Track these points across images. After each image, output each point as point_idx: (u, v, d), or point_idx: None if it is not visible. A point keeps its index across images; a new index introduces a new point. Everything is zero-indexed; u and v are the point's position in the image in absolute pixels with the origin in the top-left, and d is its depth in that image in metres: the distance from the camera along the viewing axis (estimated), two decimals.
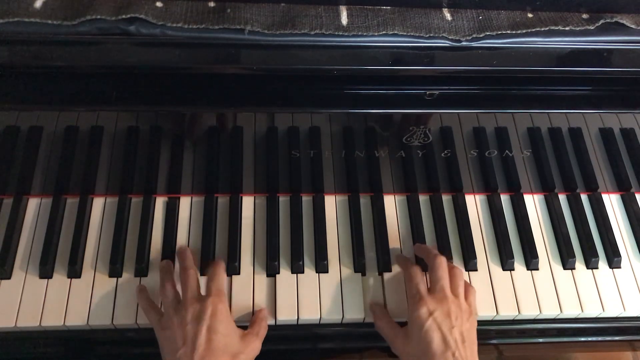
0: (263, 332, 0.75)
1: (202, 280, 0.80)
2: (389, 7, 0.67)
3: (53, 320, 0.76)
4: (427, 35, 0.66)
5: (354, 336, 0.82)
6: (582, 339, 0.85)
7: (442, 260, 0.77)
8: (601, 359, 0.94)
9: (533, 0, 0.68)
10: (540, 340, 0.84)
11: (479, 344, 0.72)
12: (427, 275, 0.79)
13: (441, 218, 0.87)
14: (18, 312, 0.76)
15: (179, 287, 0.76)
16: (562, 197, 0.91)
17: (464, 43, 0.66)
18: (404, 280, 0.79)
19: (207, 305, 0.70)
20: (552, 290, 0.82)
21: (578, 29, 0.67)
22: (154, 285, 0.79)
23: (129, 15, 0.62)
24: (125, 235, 0.83)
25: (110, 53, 0.63)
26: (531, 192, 0.91)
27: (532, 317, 0.82)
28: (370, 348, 0.83)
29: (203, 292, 0.75)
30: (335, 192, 0.88)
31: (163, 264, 0.80)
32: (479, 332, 0.74)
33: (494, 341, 0.84)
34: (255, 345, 0.73)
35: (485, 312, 0.80)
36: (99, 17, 0.62)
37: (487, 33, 0.66)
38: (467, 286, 0.78)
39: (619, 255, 0.86)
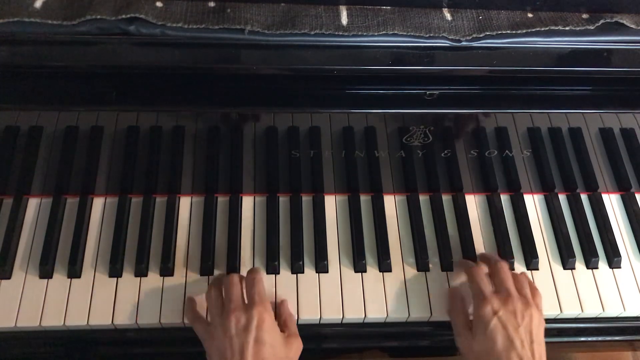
0: (295, 326, 0.75)
1: (204, 280, 0.81)
2: (389, 7, 0.67)
3: (53, 320, 0.76)
4: (427, 35, 0.66)
5: (354, 336, 0.82)
6: (582, 339, 0.85)
7: (504, 265, 0.77)
8: (601, 359, 0.94)
9: (533, 0, 0.68)
10: None
11: None
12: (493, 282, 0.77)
13: (441, 218, 0.87)
14: (18, 312, 0.76)
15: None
16: (562, 197, 0.91)
17: (464, 43, 0.66)
18: (468, 281, 0.77)
19: (252, 315, 0.68)
20: (552, 290, 0.82)
21: (578, 29, 0.67)
22: (154, 285, 0.79)
23: (129, 15, 0.62)
24: (125, 235, 0.83)
25: (110, 53, 0.63)
26: (531, 192, 0.91)
27: None
28: (370, 348, 0.83)
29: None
30: (335, 192, 0.88)
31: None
32: None
33: None
34: (298, 345, 0.72)
35: None
36: (98, 17, 0.62)
37: (487, 33, 0.66)
38: (533, 288, 0.77)
39: (619, 255, 0.86)
